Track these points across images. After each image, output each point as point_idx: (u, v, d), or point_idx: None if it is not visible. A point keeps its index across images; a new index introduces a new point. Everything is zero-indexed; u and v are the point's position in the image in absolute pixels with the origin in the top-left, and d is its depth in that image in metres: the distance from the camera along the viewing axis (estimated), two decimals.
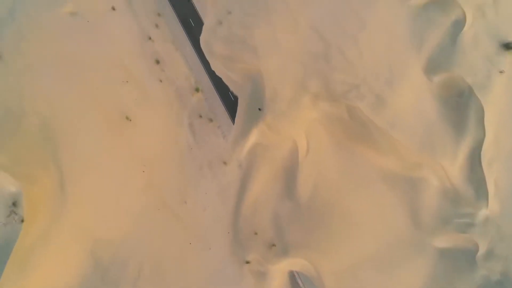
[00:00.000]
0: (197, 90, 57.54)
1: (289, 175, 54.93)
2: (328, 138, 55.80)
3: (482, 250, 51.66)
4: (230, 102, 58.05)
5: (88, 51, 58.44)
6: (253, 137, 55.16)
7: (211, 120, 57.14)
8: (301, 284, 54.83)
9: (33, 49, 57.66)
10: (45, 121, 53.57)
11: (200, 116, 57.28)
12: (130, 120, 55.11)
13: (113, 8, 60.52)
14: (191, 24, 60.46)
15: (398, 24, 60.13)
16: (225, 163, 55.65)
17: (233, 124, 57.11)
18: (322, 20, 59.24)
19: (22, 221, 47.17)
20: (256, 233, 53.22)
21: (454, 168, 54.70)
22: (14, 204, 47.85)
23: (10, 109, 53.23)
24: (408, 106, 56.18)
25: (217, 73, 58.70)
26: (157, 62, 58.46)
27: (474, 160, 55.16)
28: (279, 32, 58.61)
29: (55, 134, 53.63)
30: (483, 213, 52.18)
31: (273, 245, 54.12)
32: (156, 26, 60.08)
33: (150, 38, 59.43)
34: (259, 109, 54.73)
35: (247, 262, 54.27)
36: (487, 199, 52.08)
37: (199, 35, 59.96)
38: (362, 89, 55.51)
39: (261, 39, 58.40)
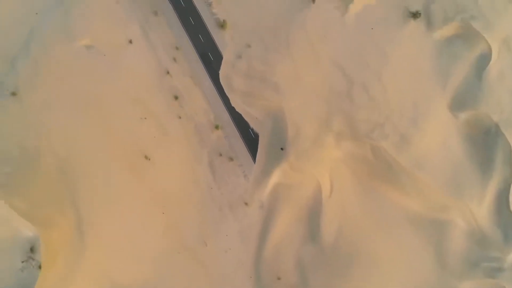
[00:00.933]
0: (216, 127, 56.92)
1: (313, 217, 54.25)
2: (352, 178, 55.16)
3: None
4: (250, 140, 57.42)
5: (105, 86, 57.87)
6: (275, 177, 54.55)
7: (231, 159, 56.41)
8: None
9: (49, 85, 56.98)
10: (62, 162, 52.94)
11: (220, 155, 56.54)
12: (149, 159, 54.26)
13: (130, 41, 59.98)
14: (210, 58, 59.98)
15: (422, 59, 59.61)
16: (246, 204, 54.96)
17: (254, 163, 55.92)
18: (344, 55, 58.66)
19: (40, 267, 46.15)
20: (279, 278, 52.46)
21: (481, 210, 54.04)
22: (32, 249, 47.12)
23: (26, 149, 52.45)
24: (434, 145, 55.53)
25: (237, 109, 58.16)
26: (176, 97, 57.88)
27: (502, 202, 54.59)
28: (301, 67, 58.01)
29: (73, 175, 52.90)
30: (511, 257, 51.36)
31: None
32: (174, 60, 59.52)
33: (168, 73, 58.86)
34: (282, 149, 53.84)
35: None
36: None
37: (218, 70, 59.03)
38: (386, 128, 54.84)
39: (282, 75, 57.81)
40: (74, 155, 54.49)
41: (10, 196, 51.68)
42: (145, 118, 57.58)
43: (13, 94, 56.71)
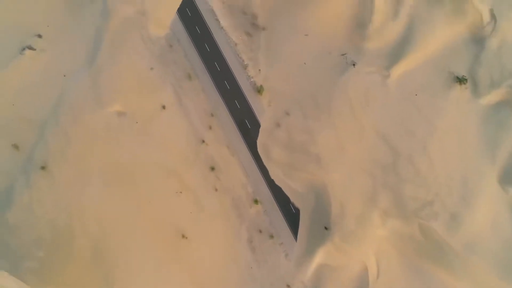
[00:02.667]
0: (255, 201, 55.79)
1: None
2: (399, 258, 53.87)
3: None
4: (291, 215, 56.05)
5: (138, 157, 56.51)
6: (318, 258, 53.33)
7: (271, 236, 55.02)
8: None
9: (79, 157, 55.86)
10: (96, 243, 51.64)
11: (260, 231, 55.10)
12: (186, 238, 52.40)
13: (163, 107, 58.96)
14: (247, 126, 59.00)
15: (469, 128, 58.75)
16: (288, 286, 53.67)
17: (296, 241, 54.11)
18: (388, 124, 57.83)
19: None
20: None
21: None
22: None
23: (58, 231, 51.03)
24: (485, 224, 54.27)
25: (277, 182, 57.18)
26: (212, 168, 56.57)
27: None
28: (344, 138, 56.86)
29: (107, 257, 51.68)
30: None
31: None
32: (210, 127, 58.32)
33: (203, 141, 57.68)
34: (326, 228, 52.12)
35: None
36: None
37: (256, 138, 57.60)
38: (435, 206, 53.62)
39: (324, 146, 56.58)
40: (108, 235, 53.04)
41: (44, 284, 49.82)
42: (181, 192, 56.20)
43: (43, 168, 55.62)
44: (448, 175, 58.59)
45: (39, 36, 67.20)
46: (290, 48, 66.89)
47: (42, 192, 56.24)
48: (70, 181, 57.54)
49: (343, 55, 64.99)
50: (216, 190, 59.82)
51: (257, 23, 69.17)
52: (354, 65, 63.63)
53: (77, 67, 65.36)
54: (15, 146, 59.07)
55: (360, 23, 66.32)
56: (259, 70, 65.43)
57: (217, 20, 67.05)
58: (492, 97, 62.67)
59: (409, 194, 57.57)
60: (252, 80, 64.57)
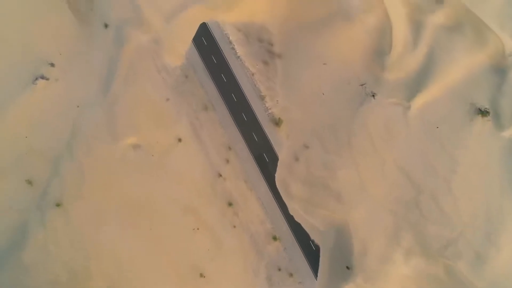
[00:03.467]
0: (274, 238, 55.31)
1: None
2: None
3: None
4: (311, 252, 55.26)
5: (154, 192, 56.02)
6: None
7: (291, 275, 54.53)
8: None
9: (94, 194, 55.60)
10: (113, 284, 51.19)
11: (279, 269, 54.44)
12: (204, 277, 51.32)
13: (180, 140, 58.45)
14: (265, 159, 58.38)
15: (492, 163, 58.41)
16: None
17: (316, 280, 53.12)
18: (410, 159, 57.26)
19: None
20: None
21: None
22: None
23: (75, 272, 50.73)
24: (510, 262, 52.41)
25: (296, 218, 56.87)
26: (230, 204, 56.08)
27: None
28: (365, 173, 56.20)
29: None
30: None
31: None
32: (227, 161, 57.58)
33: (220, 176, 57.02)
34: (347, 268, 50.99)
35: None
36: None
37: (274, 173, 56.62)
38: (460, 245, 53.04)
39: (344, 182, 55.95)
40: (125, 275, 52.61)
41: None
42: (198, 229, 55.62)
43: (58, 205, 55.39)
44: (472, 212, 57.82)
45: (52, 64, 66.51)
46: (308, 77, 66.09)
47: (58, 231, 55.65)
48: (86, 220, 56.88)
49: (362, 85, 64.15)
50: (234, 226, 59.02)
51: (273, 51, 68.50)
52: (373, 96, 62.63)
53: (91, 97, 64.81)
54: (29, 182, 58.47)
55: (379, 53, 65.53)
56: (277, 101, 64.37)
57: (233, 48, 66.21)
58: None
59: (433, 233, 56.80)
60: (269, 111, 63.83)
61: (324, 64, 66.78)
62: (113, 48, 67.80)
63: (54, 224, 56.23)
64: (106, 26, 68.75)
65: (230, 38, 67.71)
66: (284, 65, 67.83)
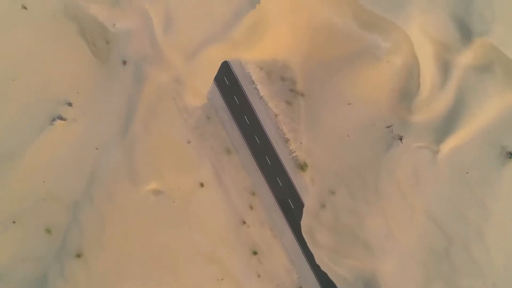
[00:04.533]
0: None
1: None
2: None
3: None
4: None
5: (177, 241, 55.72)
6: None
7: None
8: None
9: (115, 243, 55.84)
10: None
11: None
12: None
13: (202, 185, 57.82)
14: (290, 206, 57.43)
15: None
16: None
17: None
18: (440, 207, 56.76)
19: None
20: None
21: None
22: None
23: None
24: None
25: (322, 268, 56.83)
26: (254, 253, 55.63)
27: None
28: (393, 222, 55.68)
29: None
30: None
31: None
32: (251, 207, 56.87)
33: (244, 223, 56.53)
34: None
35: None
36: None
37: (300, 219, 55.54)
38: None
39: (372, 231, 55.27)
40: None
41: None
42: (222, 279, 54.89)
43: (78, 256, 54.04)
44: (505, 263, 57.01)
45: (69, 104, 65.54)
46: (332, 118, 65.19)
47: (78, 283, 54.20)
48: (107, 271, 56.13)
49: (388, 127, 63.11)
50: (259, 276, 57.97)
51: (296, 89, 67.74)
52: (401, 139, 61.47)
53: (110, 139, 64.11)
54: (48, 230, 57.79)
55: (405, 94, 64.86)
56: (300, 142, 63.12)
57: (255, 88, 65.39)
58: None
59: (465, 285, 56.17)
60: (294, 154, 62.97)
61: (349, 104, 65.80)
62: (132, 86, 66.90)
63: (74, 276, 55.41)
64: (124, 63, 67.85)
65: (252, 77, 66.95)
66: (307, 104, 66.93)
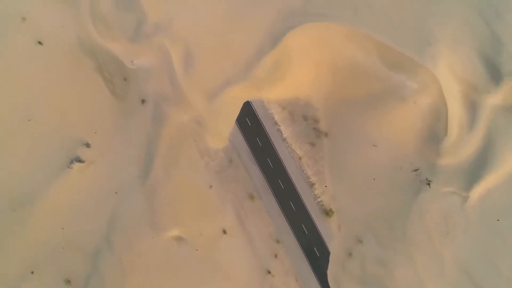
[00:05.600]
0: None
1: None
2: None
3: None
4: None
5: None
6: None
7: None
8: None
9: None
10: None
11: None
12: None
13: (224, 232, 56.60)
14: (316, 254, 56.59)
15: None
16: None
17: None
18: (471, 256, 57.79)
19: None
20: None
21: None
22: None
23: None
24: None
25: None
26: None
27: None
28: (423, 271, 56.02)
29: None
30: None
31: None
32: (275, 256, 56.35)
33: (269, 272, 55.24)
34: None
35: None
36: None
37: (326, 269, 53.98)
38: None
39: (402, 281, 56.49)
40: None
41: None
42: None
43: None
44: None
45: (87, 145, 64.42)
46: (357, 160, 64.27)
47: None
48: None
49: (415, 170, 62.24)
50: None
51: (319, 128, 66.99)
52: (429, 184, 60.33)
53: (130, 183, 63.40)
54: (67, 281, 56.66)
55: (432, 136, 64.20)
56: (326, 186, 61.72)
57: (278, 130, 64.68)
58: None
59: None
60: (319, 199, 62.18)
61: (374, 145, 64.75)
62: (152, 126, 65.96)
63: None
64: (143, 101, 66.91)
65: (275, 117, 65.93)
66: (331, 145, 66.11)
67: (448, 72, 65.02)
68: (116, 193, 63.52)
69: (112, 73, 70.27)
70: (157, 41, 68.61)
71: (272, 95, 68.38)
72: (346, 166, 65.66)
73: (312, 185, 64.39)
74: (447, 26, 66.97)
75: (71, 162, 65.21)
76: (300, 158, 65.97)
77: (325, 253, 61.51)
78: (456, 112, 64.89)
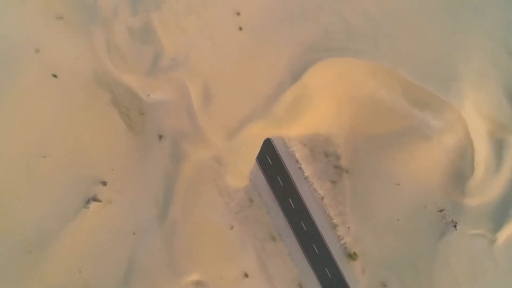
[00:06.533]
0: None
1: None
2: None
3: None
4: None
5: None
6: None
7: None
8: None
9: None
10: None
11: None
12: None
13: (246, 275, 57.63)
14: None
15: None
16: None
17: None
18: None
19: None
20: None
21: None
22: None
23: None
24: None
25: None
26: None
27: None
28: None
29: None
30: None
31: None
32: None
33: None
34: None
35: None
36: None
37: None
38: None
39: None
40: None
41: None
42: None
43: None
44: None
45: (104, 183, 63.61)
46: (380, 199, 63.71)
47: None
48: None
49: (440, 211, 61.32)
50: None
51: (340, 165, 66.13)
52: (455, 226, 59.13)
53: (148, 223, 62.93)
54: None
55: (458, 175, 63.73)
56: (349, 227, 60.48)
57: (300, 168, 63.66)
58: None
59: None
60: (342, 242, 61.65)
61: (397, 184, 63.42)
62: (169, 164, 65.13)
63: None
64: (160, 137, 66.04)
65: (296, 155, 64.79)
66: (353, 183, 65.33)
67: (474, 110, 64.10)
68: (134, 234, 62.51)
69: (128, 107, 69.28)
70: (174, 75, 67.76)
71: (292, 132, 67.45)
72: (369, 206, 64.58)
73: (335, 226, 64.10)
74: (472, 60, 66.07)
75: (88, 201, 64.25)
76: (322, 198, 65.46)
77: None
78: (482, 151, 63.78)
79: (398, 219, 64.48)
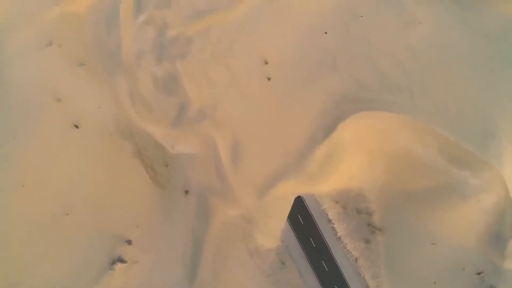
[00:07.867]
0: None
1: None
2: None
3: None
4: None
5: None
6: None
7: None
8: None
9: None
10: None
11: None
12: None
13: None
14: None
15: None
16: None
17: None
18: None
19: None
20: None
21: None
22: None
23: None
24: None
25: None
26: None
27: None
28: None
29: None
30: None
31: None
32: None
33: None
34: None
35: None
36: None
37: None
38: None
39: None
40: None
41: None
42: None
43: None
44: None
45: (129, 242, 62.08)
46: (415, 260, 62.17)
47: None
48: None
49: (479, 274, 58.37)
50: None
51: (373, 223, 63.83)
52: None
53: (176, 286, 57.89)
54: None
55: (497, 237, 62.49)
56: None
57: (333, 228, 61.06)
58: None
59: None
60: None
61: (433, 244, 60.82)
62: (197, 222, 63.61)
63: None
64: (186, 192, 64.31)
65: (329, 214, 62.55)
66: (387, 243, 63.56)
67: None
68: None
69: (153, 159, 67.71)
70: (201, 127, 65.81)
71: (324, 188, 65.43)
72: (404, 267, 62.95)
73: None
74: (510, 114, 63.68)
75: (113, 263, 62.58)
76: (356, 260, 63.67)
77: None
78: None
79: (435, 282, 62.73)
